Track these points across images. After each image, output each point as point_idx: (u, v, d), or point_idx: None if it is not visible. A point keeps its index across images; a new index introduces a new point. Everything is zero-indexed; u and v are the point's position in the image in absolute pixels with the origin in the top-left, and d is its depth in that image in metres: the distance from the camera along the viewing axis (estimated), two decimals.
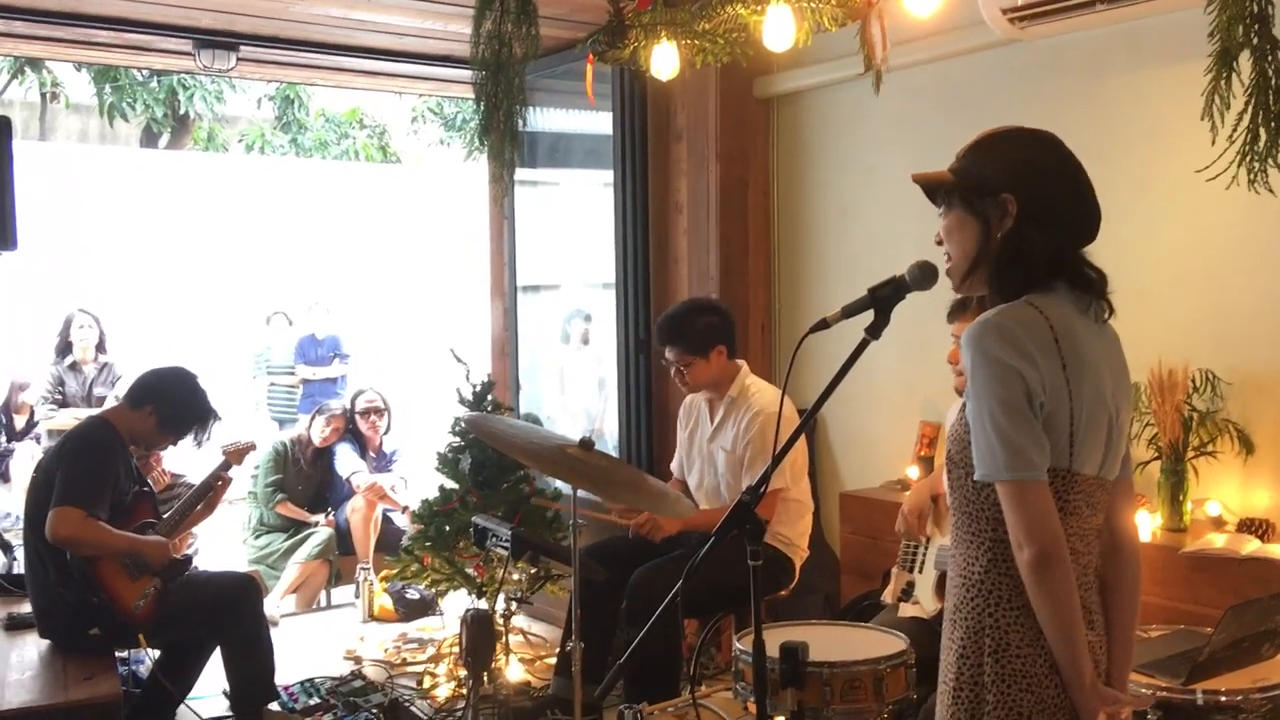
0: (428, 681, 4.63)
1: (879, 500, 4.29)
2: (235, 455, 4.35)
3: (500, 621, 3.95)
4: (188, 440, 4.04)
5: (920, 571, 3.43)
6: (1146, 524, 3.39)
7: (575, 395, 5.90)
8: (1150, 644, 2.76)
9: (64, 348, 7.37)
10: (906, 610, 3.35)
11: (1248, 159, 2.31)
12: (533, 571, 4.27)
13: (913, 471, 4.32)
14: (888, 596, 3.53)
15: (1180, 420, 3.42)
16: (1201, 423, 3.46)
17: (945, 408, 4.30)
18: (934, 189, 1.92)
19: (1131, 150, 3.69)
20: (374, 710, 4.18)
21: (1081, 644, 1.76)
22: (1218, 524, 3.45)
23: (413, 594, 5.59)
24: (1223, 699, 2.46)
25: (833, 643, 2.67)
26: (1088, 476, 1.81)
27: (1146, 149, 3.66)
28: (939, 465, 3.69)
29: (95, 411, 5.28)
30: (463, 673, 4.30)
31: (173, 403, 3.92)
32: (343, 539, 6.05)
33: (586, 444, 3.11)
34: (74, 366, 7.29)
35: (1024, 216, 1.80)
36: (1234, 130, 2.32)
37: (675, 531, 3.88)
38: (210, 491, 4.17)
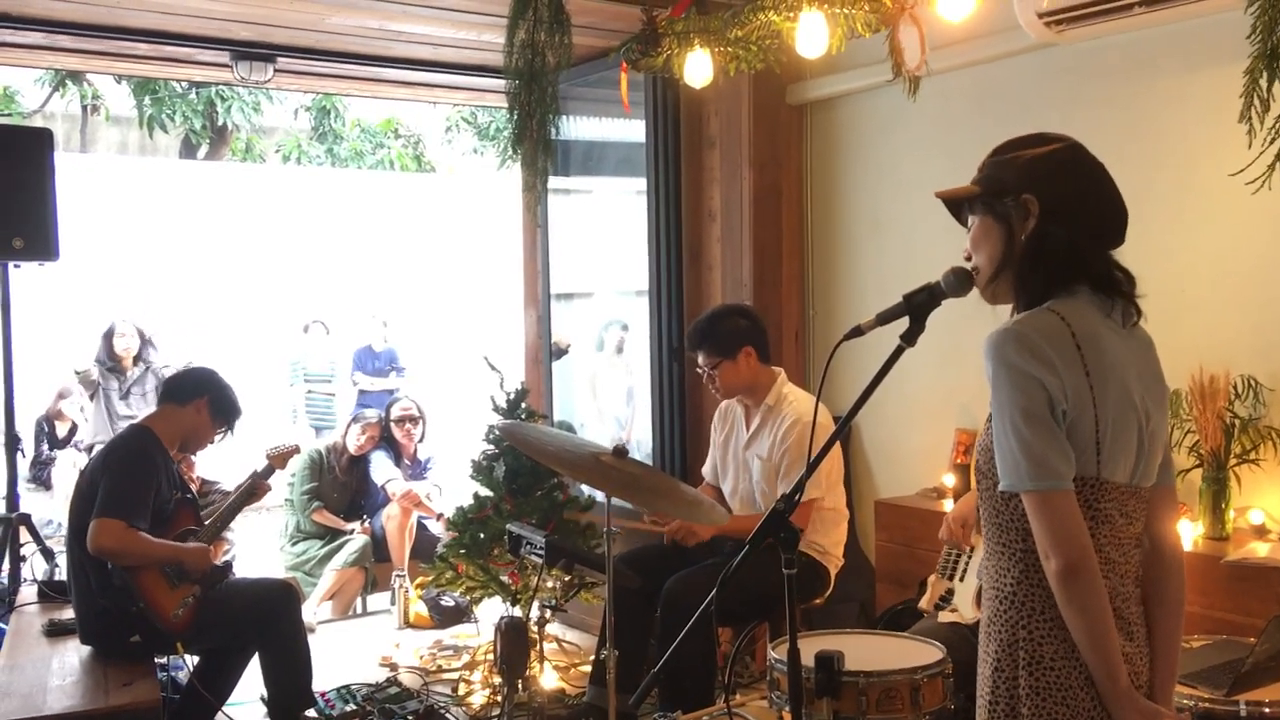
0: (463, 688, 4.64)
1: (914, 508, 4.26)
2: (279, 459, 4.40)
3: (535, 629, 3.96)
4: (220, 437, 4.11)
5: (961, 580, 3.40)
6: (1188, 532, 3.35)
7: (607, 403, 5.91)
8: (1192, 654, 2.73)
9: (106, 356, 7.47)
10: (945, 617, 3.33)
11: None
12: (567, 579, 4.28)
13: (949, 479, 4.29)
14: (925, 604, 3.51)
15: (1222, 427, 3.38)
16: (1243, 430, 3.41)
17: (982, 415, 4.27)
18: (959, 204, 1.92)
19: (1170, 154, 3.65)
20: (410, 717, 4.19)
21: (1114, 654, 1.74)
22: (1260, 532, 3.40)
23: (448, 601, 5.61)
24: (1266, 710, 2.43)
25: (868, 652, 2.65)
26: (1119, 484, 1.79)
27: (1186, 153, 3.61)
28: None
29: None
30: (497, 680, 4.30)
31: (222, 390, 4.04)
32: (378, 546, 6.09)
33: (620, 451, 3.11)
34: (114, 369, 7.39)
35: (1046, 216, 1.79)
36: (1271, 132, 2.29)
37: (709, 536, 3.87)
38: (251, 496, 4.22)
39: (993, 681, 1.83)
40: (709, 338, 3.91)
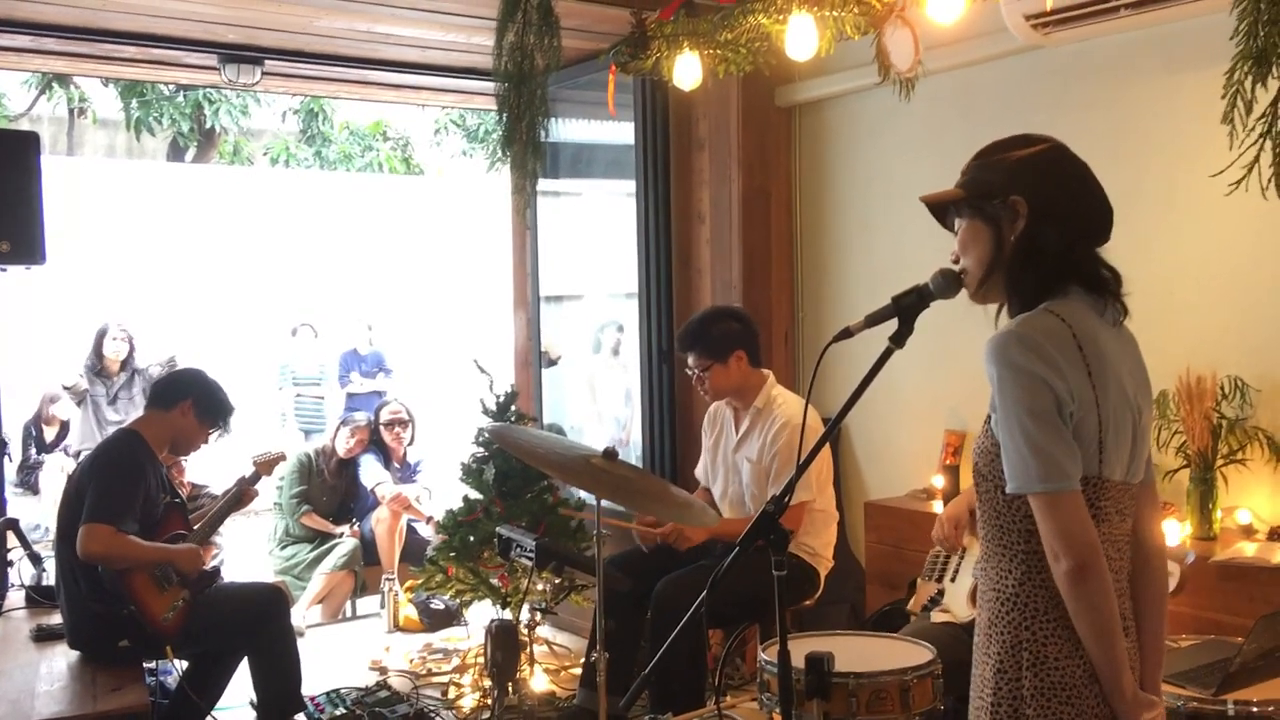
0: (453, 692, 4.64)
1: (904, 509, 4.27)
2: (265, 466, 4.38)
3: (525, 632, 3.96)
4: (214, 436, 4.09)
5: (953, 580, 3.41)
6: (1176, 533, 3.36)
7: (606, 405, 5.91)
8: (1180, 654, 2.74)
9: (96, 360, 7.46)
10: (937, 617, 3.33)
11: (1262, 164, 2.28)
12: (557, 582, 4.27)
13: (938, 480, 4.30)
14: (912, 607, 3.51)
15: (1209, 428, 3.39)
16: (1230, 430, 3.43)
17: (970, 416, 4.28)
18: (944, 209, 1.93)
19: (1157, 156, 3.66)
20: None
21: (1121, 652, 1.75)
22: (1248, 532, 3.42)
23: (437, 604, 5.60)
24: (1255, 710, 2.43)
25: (858, 653, 2.65)
26: (1116, 482, 1.80)
27: (1172, 155, 3.63)
28: None
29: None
30: (488, 683, 4.30)
31: (207, 391, 4.00)
32: (368, 549, 6.08)
33: (610, 454, 3.11)
34: (102, 373, 7.38)
35: (1034, 217, 1.80)
36: (1251, 133, 2.29)
37: (701, 540, 3.87)
38: (238, 502, 4.21)
39: (995, 683, 1.83)
40: (700, 340, 3.91)
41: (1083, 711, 1.76)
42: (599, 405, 5.96)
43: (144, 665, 3.81)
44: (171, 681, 4.15)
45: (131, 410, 7.16)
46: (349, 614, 6.09)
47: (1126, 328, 1.90)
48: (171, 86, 12.53)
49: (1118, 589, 1.82)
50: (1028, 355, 1.73)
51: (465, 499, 4.79)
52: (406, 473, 6.38)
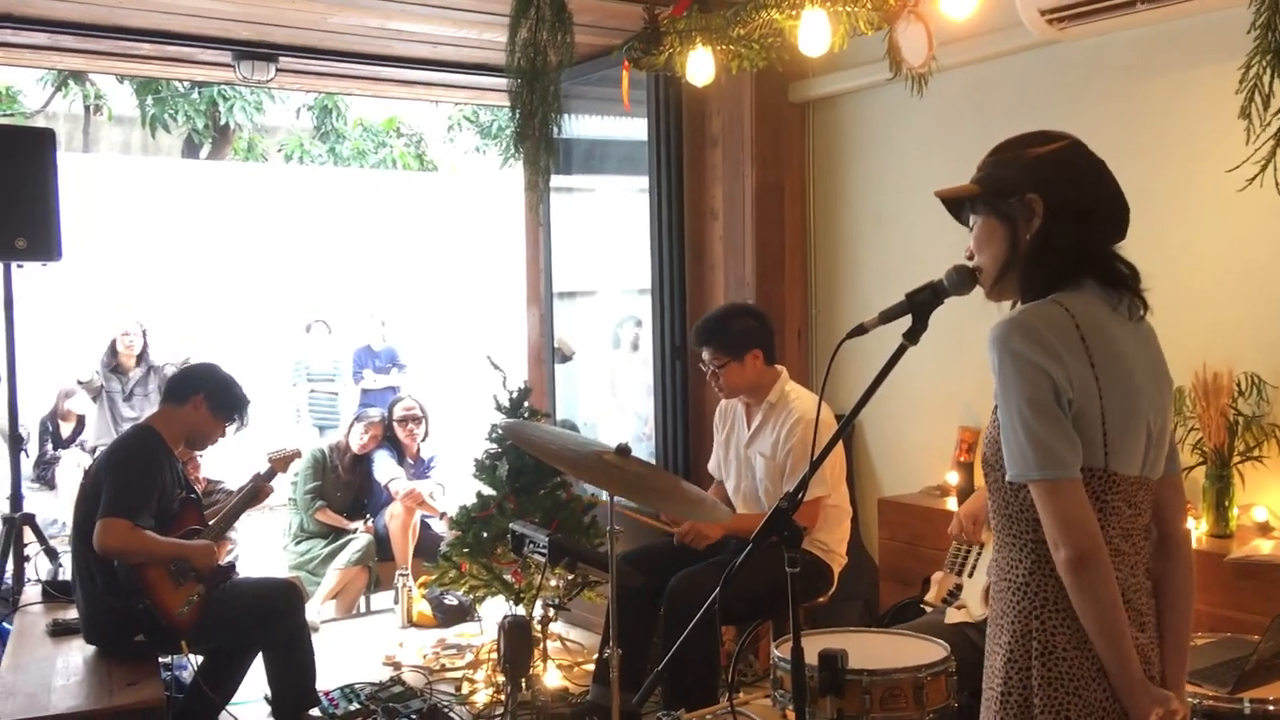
0: (466, 687, 4.65)
1: (918, 506, 4.26)
2: (281, 463, 4.40)
3: (538, 628, 3.96)
4: (231, 428, 4.10)
5: (970, 576, 3.40)
6: (1191, 530, 3.34)
7: (628, 400, 5.90)
8: (1196, 652, 2.72)
9: (111, 356, 7.50)
10: (953, 616, 3.33)
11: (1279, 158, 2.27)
12: (570, 578, 4.27)
13: (952, 477, 4.29)
14: (932, 599, 3.50)
15: (1225, 424, 3.37)
16: (1247, 427, 3.40)
17: (984, 413, 4.26)
18: (959, 204, 1.92)
19: (1173, 151, 3.64)
20: (413, 716, 4.20)
21: (1126, 643, 1.74)
22: (1264, 530, 3.40)
23: (451, 600, 5.61)
24: (1270, 708, 2.42)
25: (872, 650, 2.65)
26: (1129, 476, 1.79)
27: (1188, 150, 3.61)
28: None
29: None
30: (501, 679, 4.31)
31: (220, 385, 4.01)
32: (381, 545, 6.10)
33: (623, 450, 3.11)
34: (117, 369, 7.41)
35: (1050, 215, 1.80)
36: (1266, 127, 2.28)
37: (718, 537, 3.87)
38: (254, 499, 4.22)
39: (1005, 673, 1.83)
40: (718, 336, 3.90)
41: (1090, 703, 1.75)
42: (620, 400, 5.95)
43: (159, 660, 3.83)
44: (187, 676, 4.17)
45: (147, 406, 7.20)
46: (363, 609, 6.11)
47: (1147, 323, 1.88)
48: (186, 83, 12.57)
49: (1135, 583, 1.81)
50: (1027, 343, 1.72)
51: (479, 495, 4.79)
52: (420, 469, 6.39)
